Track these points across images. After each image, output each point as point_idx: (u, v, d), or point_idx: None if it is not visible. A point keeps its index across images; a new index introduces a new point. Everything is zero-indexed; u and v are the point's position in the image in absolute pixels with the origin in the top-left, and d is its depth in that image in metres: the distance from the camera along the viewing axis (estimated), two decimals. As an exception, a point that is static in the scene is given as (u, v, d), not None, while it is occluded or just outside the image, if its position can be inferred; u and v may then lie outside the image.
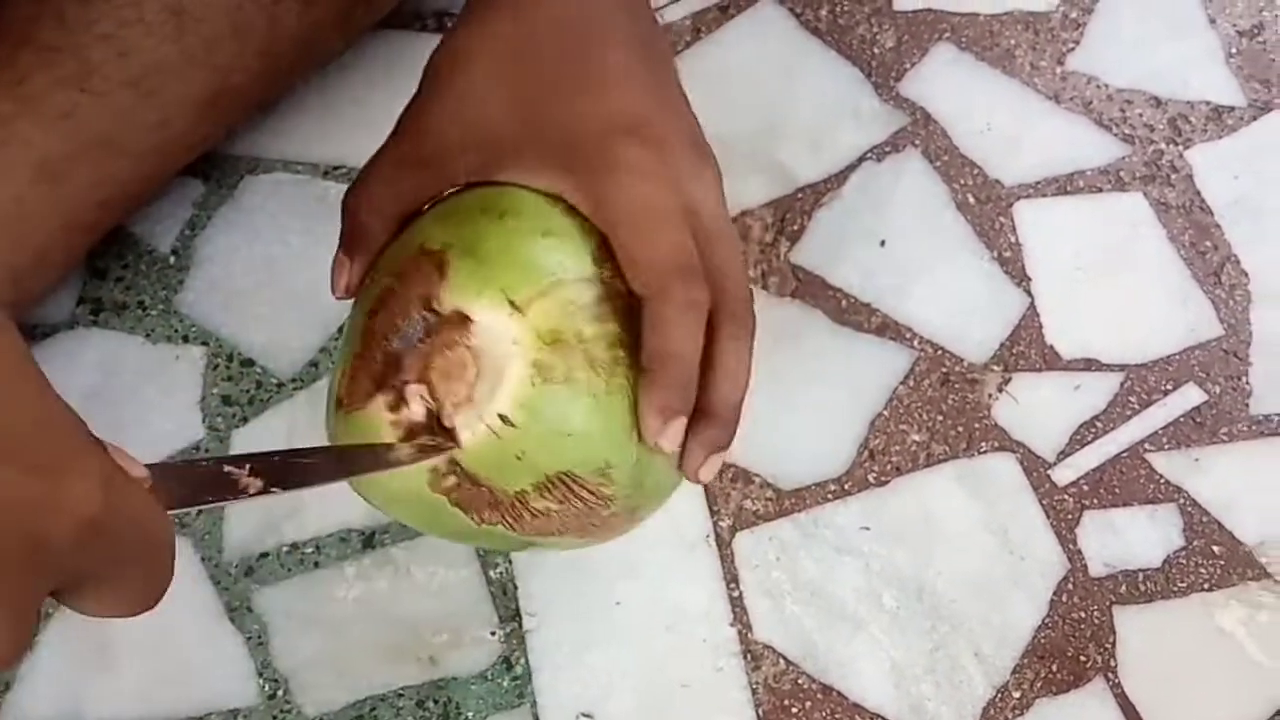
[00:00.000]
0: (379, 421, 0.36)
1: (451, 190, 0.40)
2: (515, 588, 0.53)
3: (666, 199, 0.38)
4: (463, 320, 0.36)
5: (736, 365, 0.40)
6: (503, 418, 0.36)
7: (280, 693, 0.51)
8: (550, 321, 0.36)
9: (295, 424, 0.55)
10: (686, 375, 0.37)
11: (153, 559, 0.28)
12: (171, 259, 0.58)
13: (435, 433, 0.36)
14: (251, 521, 0.53)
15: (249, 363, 0.56)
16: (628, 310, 0.38)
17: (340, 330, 0.56)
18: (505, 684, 0.51)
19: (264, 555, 0.53)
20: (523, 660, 0.51)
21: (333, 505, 0.53)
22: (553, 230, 0.38)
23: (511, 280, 0.36)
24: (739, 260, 0.41)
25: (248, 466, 0.31)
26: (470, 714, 0.51)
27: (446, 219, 0.39)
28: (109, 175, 0.51)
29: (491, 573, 0.53)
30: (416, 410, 0.36)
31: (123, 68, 0.49)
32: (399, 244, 0.40)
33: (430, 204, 0.41)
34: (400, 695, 0.51)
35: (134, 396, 0.56)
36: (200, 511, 0.53)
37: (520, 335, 0.36)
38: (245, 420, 0.55)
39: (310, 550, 0.53)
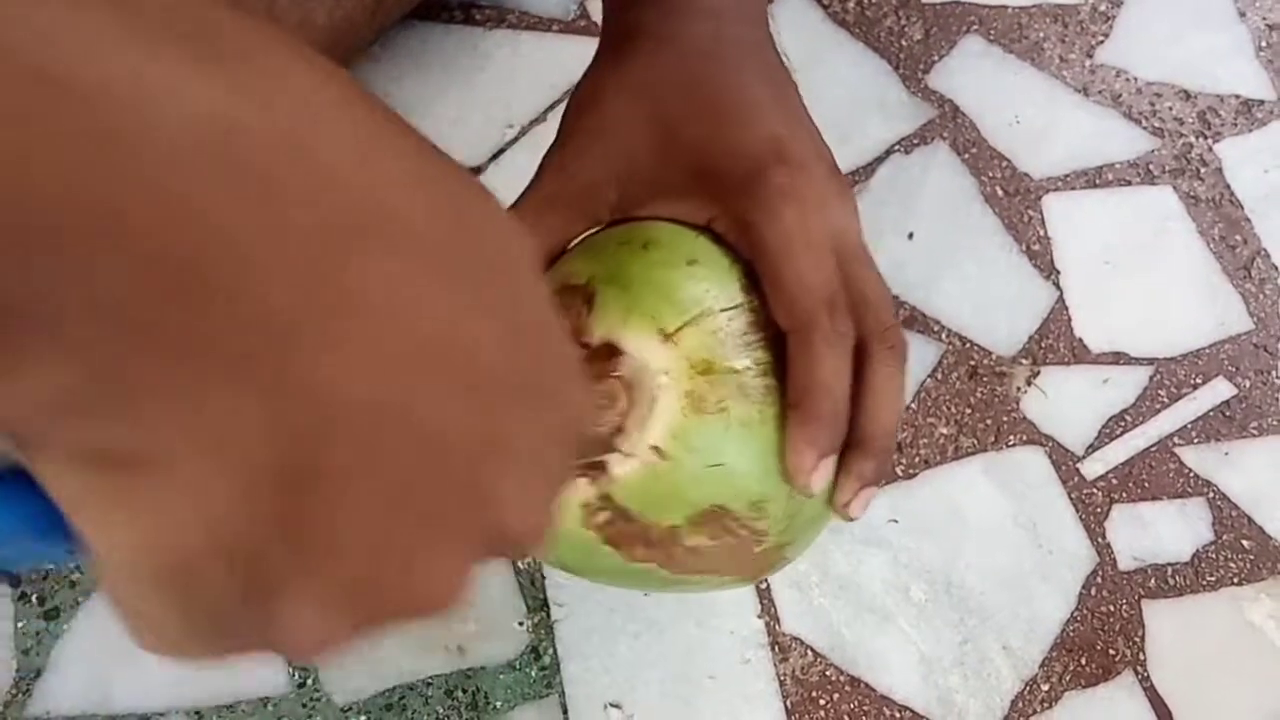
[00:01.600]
0: None
1: (595, 229, 0.40)
2: (543, 578, 0.53)
3: (813, 226, 0.37)
4: (612, 351, 0.35)
5: (889, 394, 0.39)
6: (655, 449, 0.34)
7: (310, 681, 0.51)
8: (701, 350, 0.35)
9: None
10: (835, 409, 0.35)
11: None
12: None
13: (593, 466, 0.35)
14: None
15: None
16: (777, 339, 0.37)
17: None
18: (533, 674, 0.51)
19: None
20: (551, 650, 0.52)
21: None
22: (698, 259, 0.37)
23: (659, 309, 0.35)
24: (883, 286, 0.40)
25: None
26: (498, 703, 0.51)
27: (590, 254, 0.38)
28: None
29: (520, 563, 0.53)
30: None
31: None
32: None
33: (574, 244, 0.40)
34: (429, 684, 0.51)
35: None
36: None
37: (671, 365, 0.35)
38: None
39: (339, 540, 0.53)
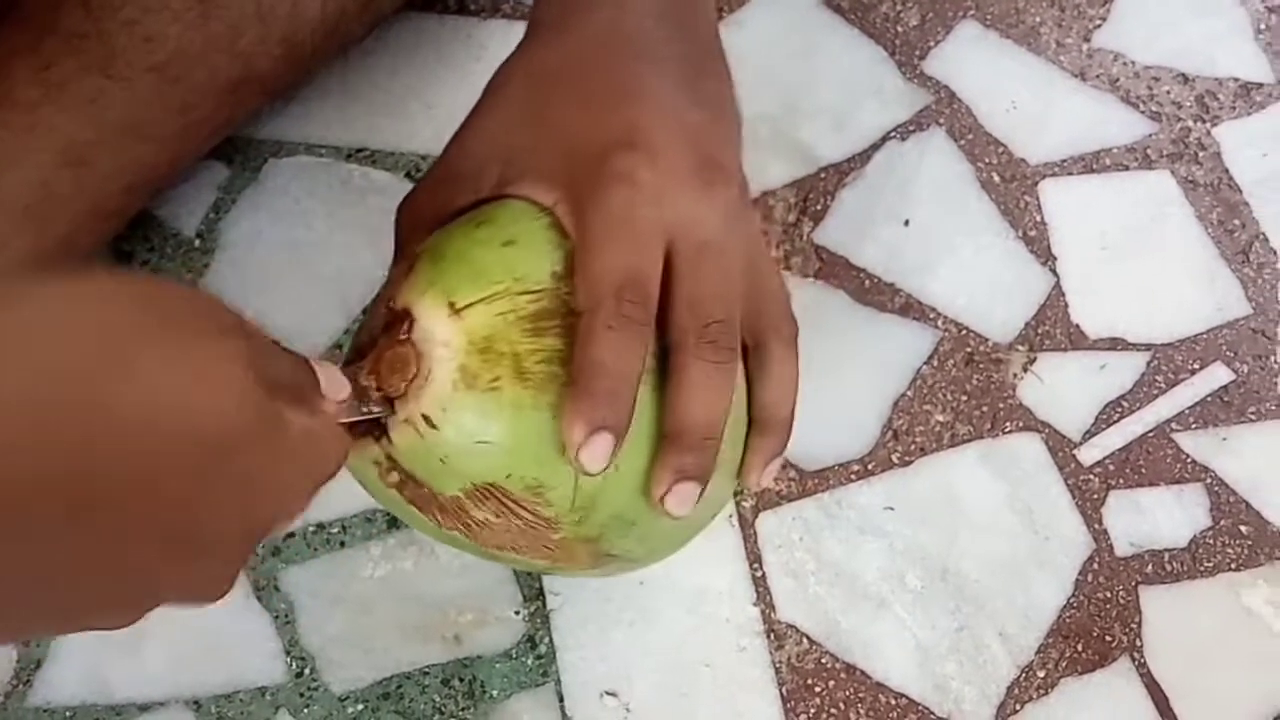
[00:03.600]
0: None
1: (477, 203, 0.41)
2: (539, 568, 0.53)
3: (639, 214, 0.37)
4: (408, 317, 0.37)
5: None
6: (425, 418, 0.36)
7: (307, 670, 0.51)
8: (484, 329, 0.36)
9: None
10: (611, 387, 0.35)
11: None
12: (196, 242, 0.59)
13: (378, 425, 0.37)
14: (278, 502, 0.54)
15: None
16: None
17: (364, 313, 0.57)
18: (529, 663, 0.51)
19: (290, 535, 0.53)
20: (547, 639, 0.52)
21: (358, 486, 0.53)
22: (516, 239, 0.38)
23: (459, 285, 0.36)
24: (766, 269, 0.41)
25: None
26: (495, 692, 0.51)
27: (445, 228, 0.40)
28: (134, 160, 0.52)
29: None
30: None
31: (147, 54, 0.49)
32: None
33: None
34: (425, 673, 0.51)
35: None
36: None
37: (451, 338, 0.36)
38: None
39: (336, 530, 0.53)
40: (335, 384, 0.34)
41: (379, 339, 0.37)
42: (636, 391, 0.36)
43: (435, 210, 0.41)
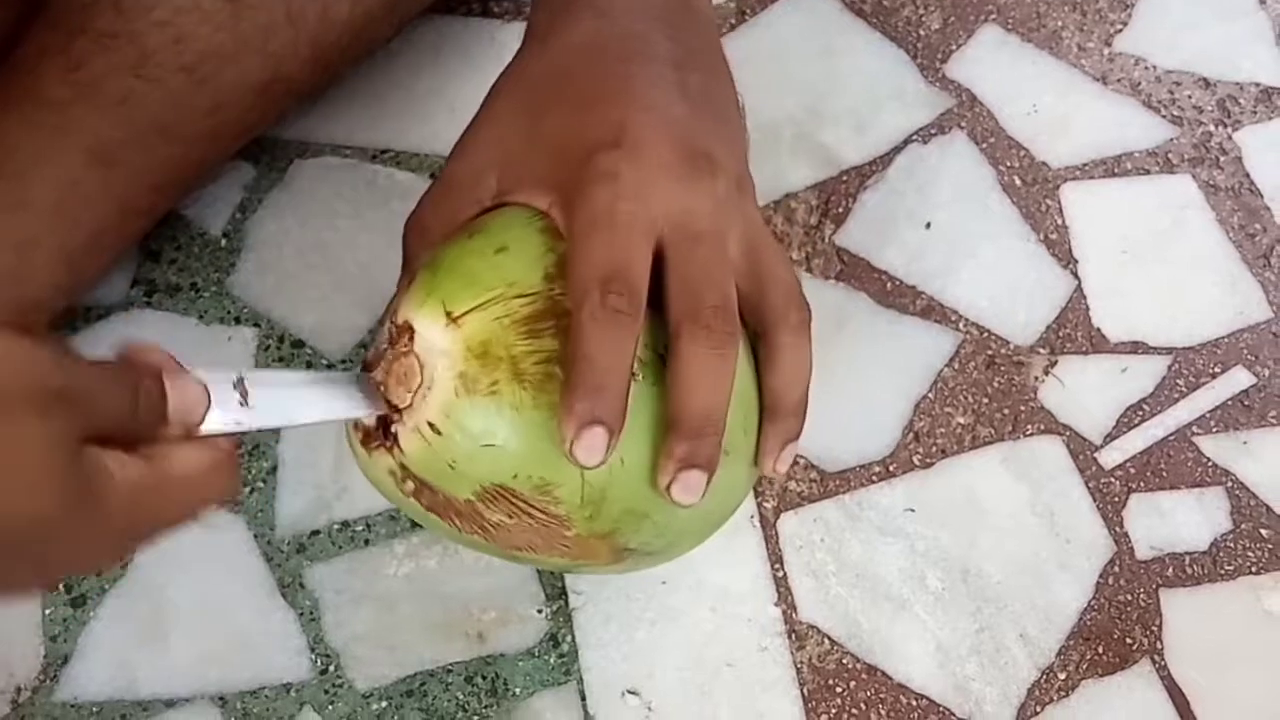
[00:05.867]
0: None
1: (479, 213, 0.42)
2: (562, 567, 0.53)
3: (622, 207, 0.37)
4: (409, 330, 0.38)
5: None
6: (431, 425, 0.37)
7: (332, 667, 0.51)
8: (480, 334, 0.36)
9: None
10: (598, 381, 0.36)
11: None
12: (223, 241, 0.59)
13: (389, 436, 0.38)
14: (303, 500, 0.54)
15: (299, 343, 0.57)
16: None
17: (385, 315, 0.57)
18: (552, 661, 0.52)
19: (315, 533, 0.54)
20: (569, 638, 0.52)
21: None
22: (508, 246, 0.38)
23: (455, 294, 0.37)
24: (768, 256, 0.41)
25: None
26: (518, 690, 0.51)
27: (444, 243, 0.41)
28: (162, 160, 0.52)
29: (538, 552, 0.53)
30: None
31: (178, 54, 0.50)
32: None
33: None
34: (449, 671, 0.52)
35: (187, 377, 0.57)
36: (252, 490, 0.54)
37: (450, 346, 0.37)
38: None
39: (360, 528, 0.54)
40: (189, 404, 0.31)
41: (385, 352, 0.38)
42: (627, 383, 0.36)
43: (439, 225, 0.42)
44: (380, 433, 0.38)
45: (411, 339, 0.37)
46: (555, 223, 0.39)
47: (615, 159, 0.38)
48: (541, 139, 0.41)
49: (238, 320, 0.57)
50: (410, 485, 0.38)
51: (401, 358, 0.37)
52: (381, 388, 0.37)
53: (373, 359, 0.39)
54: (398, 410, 0.37)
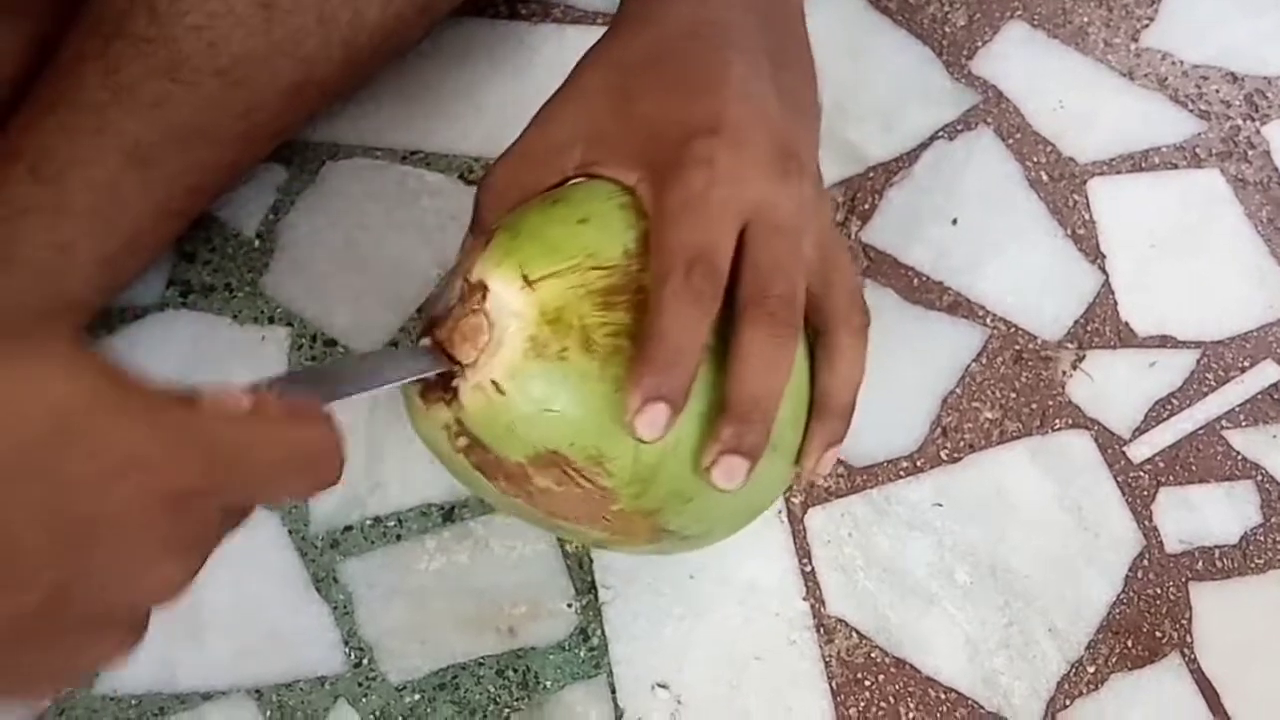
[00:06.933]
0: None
1: (559, 183, 0.42)
2: (591, 561, 0.54)
3: (715, 194, 0.38)
4: (483, 289, 0.38)
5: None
6: (495, 384, 0.37)
7: (365, 661, 0.52)
8: (555, 300, 0.37)
9: (376, 401, 0.57)
10: (670, 359, 0.36)
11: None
12: (257, 242, 0.60)
13: (450, 390, 0.39)
14: (336, 496, 0.55)
15: (332, 342, 0.58)
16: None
17: (419, 311, 0.58)
18: (582, 654, 0.52)
19: (348, 528, 0.54)
20: (599, 631, 0.53)
21: (414, 481, 0.55)
22: (590, 218, 0.39)
23: (533, 259, 0.38)
24: (839, 260, 0.42)
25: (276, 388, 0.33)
26: (548, 683, 0.52)
27: (523, 206, 0.41)
28: (197, 162, 0.53)
29: (568, 546, 0.54)
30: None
31: (212, 58, 0.50)
32: None
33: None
34: (480, 664, 0.52)
35: (222, 376, 0.57)
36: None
37: (523, 309, 0.37)
38: (329, 399, 0.57)
39: (393, 524, 0.54)
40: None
41: (454, 309, 0.39)
42: (697, 363, 0.37)
43: (517, 189, 0.43)
44: (441, 388, 0.39)
45: (484, 298, 0.38)
46: (639, 200, 0.40)
47: (712, 145, 0.39)
48: (635, 118, 0.41)
49: (271, 320, 0.58)
50: (463, 441, 0.39)
51: (471, 315, 0.38)
52: (445, 344, 0.38)
53: (439, 314, 0.39)
54: (461, 366, 0.38)
